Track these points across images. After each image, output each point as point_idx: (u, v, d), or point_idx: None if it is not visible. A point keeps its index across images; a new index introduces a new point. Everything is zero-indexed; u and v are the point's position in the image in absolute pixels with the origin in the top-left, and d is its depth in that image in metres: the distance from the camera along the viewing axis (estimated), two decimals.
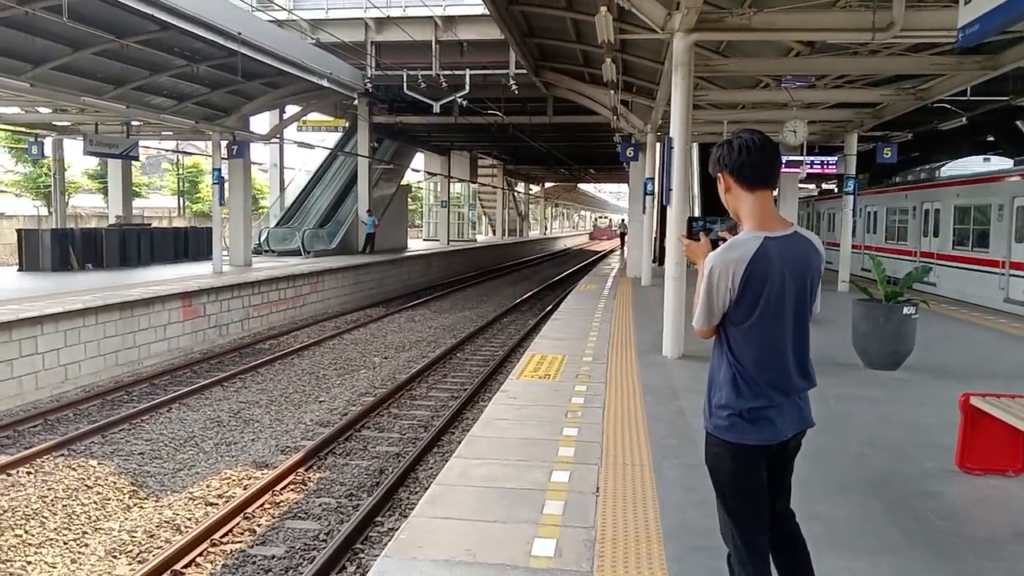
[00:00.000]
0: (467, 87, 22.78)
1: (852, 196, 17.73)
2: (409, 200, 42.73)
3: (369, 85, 24.34)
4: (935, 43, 10.87)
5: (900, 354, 8.43)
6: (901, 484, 4.92)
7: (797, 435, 2.76)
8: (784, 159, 17.00)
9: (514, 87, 22.79)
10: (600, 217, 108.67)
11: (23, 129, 22.09)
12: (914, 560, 3.81)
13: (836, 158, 17.47)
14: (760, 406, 2.63)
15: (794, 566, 2.85)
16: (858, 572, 3.67)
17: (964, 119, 18.06)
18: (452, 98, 23.23)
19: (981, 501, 4.67)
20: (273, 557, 6.53)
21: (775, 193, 2.76)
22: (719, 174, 2.75)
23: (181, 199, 43.05)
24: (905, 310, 8.26)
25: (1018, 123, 21.01)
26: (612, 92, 15.24)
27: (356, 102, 26.49)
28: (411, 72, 23.18)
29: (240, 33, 15.33)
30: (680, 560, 3.76)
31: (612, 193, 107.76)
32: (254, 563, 6.43)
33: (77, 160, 35.25)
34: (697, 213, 20.65)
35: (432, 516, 4.28)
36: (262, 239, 27.48)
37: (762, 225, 2.65)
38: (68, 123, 20.90)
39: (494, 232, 58.49)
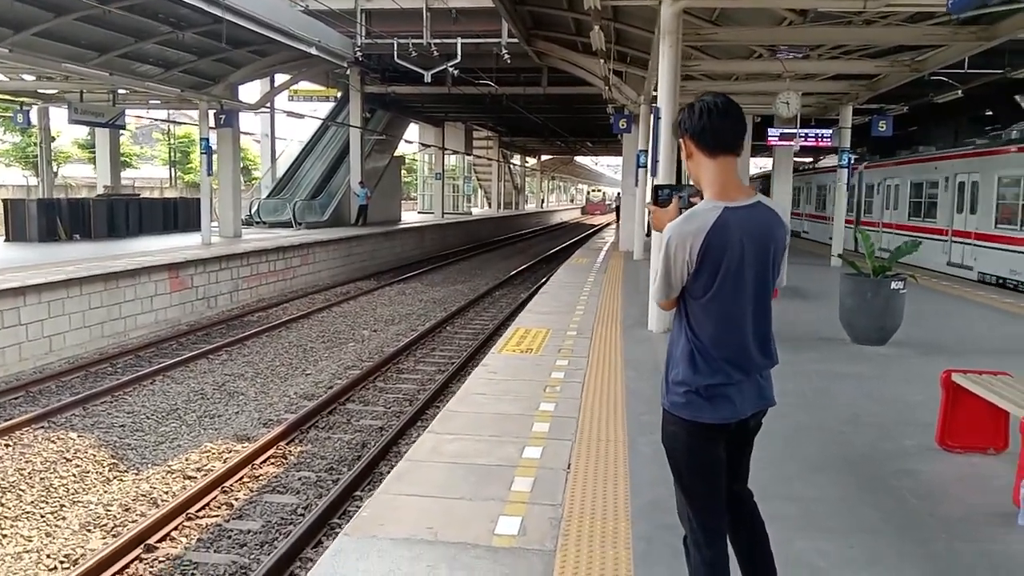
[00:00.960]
0: (459, 56, 22.43)
1: (846, 169, 17.61)
2: (403, 172, 42.44)
3: (359, 54, 23.96)
4: (931, 13, 10.67)
5: (887, 329, 8.35)
6: (879, 462, 4.85)
7: (757, 414, 2.65)
8: (778, 132, 16.84)
9: (507, 56, 22.46)
10: (593, 190, 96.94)
11: (8, 97, 21.79)
12: (886, 541, 3.73)
13: (831, 131, 17.30)
14: (717, 383, 2.52)
15: (751, 547, 2.76)
16: (827, 553, 3.58)
17: (960, 92, 17.86)
18: (443, 67, 22.88)
19: (960, 479, 4.60)
20: (249, 531, 6.46)
21: (740, 160, 2.64)
22: (681, 139, 2.63)
23: (172, 169, 42.71)
24: (893, 284, 8.17)
25: (1017, 97, 20.77)
26: (602, 61, 15.01)
27: (348, 71, 26.14)
28: (402, 40, 22.82)
29: None
30: (648, 539, 3.68)
31: (610, 166, 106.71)
32: (229, 537, 6.36)
33: (67, 130, 34.95)
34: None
35: (397, 493, 4.20)
36: (253, 210, 27.29)
37: (723, 194, 2.53)
38: (54, 91, 20.60)
39: (489, 205, 58.21)
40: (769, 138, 16.96)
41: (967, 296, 12.92)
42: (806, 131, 16.90)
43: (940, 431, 5.08)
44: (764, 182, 29.97)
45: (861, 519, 3.98)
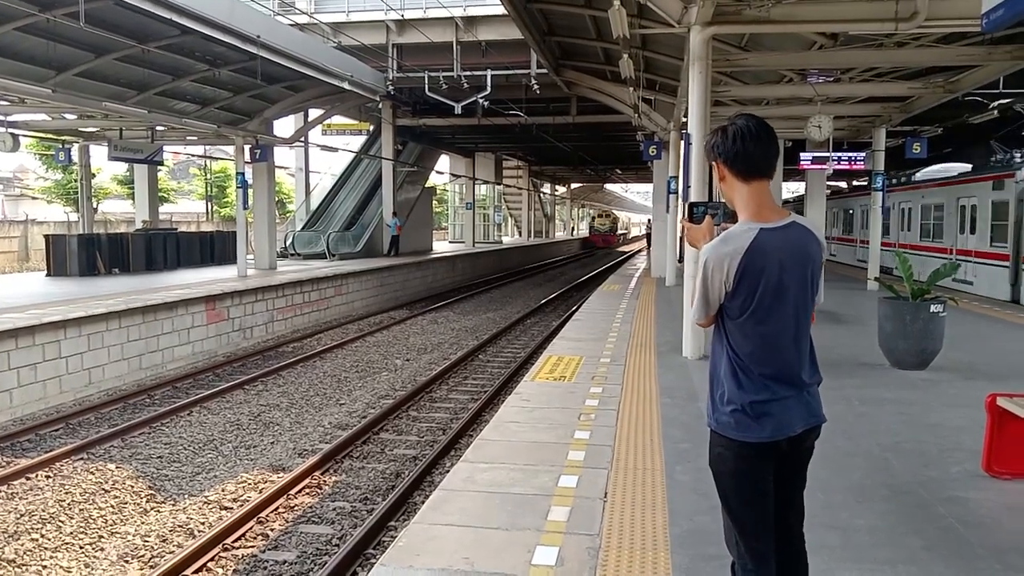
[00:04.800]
0: (488, 88, 22.69)
1: (881, 192, 17.40)
2: (434, 202, 42.78)
3: (391, 87, 24.34)
4: (965, 33, 10.58)
5: (928, 353, 8.18)
6: (925, 490, 4.72)
7: (809, 432, 2.60)
8: (810, 156, 16.72)
9: (536, 87, 22.67)
10: (599, 216, 70.66)
11: (51, 136, 22.37)
12: (934, 572, 3.62)
13: (864, 154, 17.14)
14: (764, 399, 2.51)
15: None
16: None
17: (995, 112, 17.62)
18: (474, 99, 23.15)
19: (1009, 508, 4.46)
20: (284, 562, 6.45)
21: (772, 183, 2.65)
22: (713, 163, 2.63)
23: (209, 204, 43.45)
24: (933, 308, 8.01)
25: None
26: (631, 89, 15.07)
27: (380, 105, 26.53)
28: (432, 74, 23.15)
29: (259, 36, 15.36)
30: (687, 570, 3.61)
31: (640, 193, 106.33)
32: (265, 568, 6.36)
33: (107, 166, 35.76)
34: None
35: (432, 523, 4.17)
36: (288, 242, 27.62)
37: (757, 215, 2.54)
38: (94, 129, 21.10)
39: (520, 234, 58.39)
40: (801, 162, 16.85)
41: (1005, 318, 12.65)
42: (839, 154, 16.76)
43: (986, 457, 4.94)
44: (797, 206, 30.02)
45: (908, 549, 3.87)
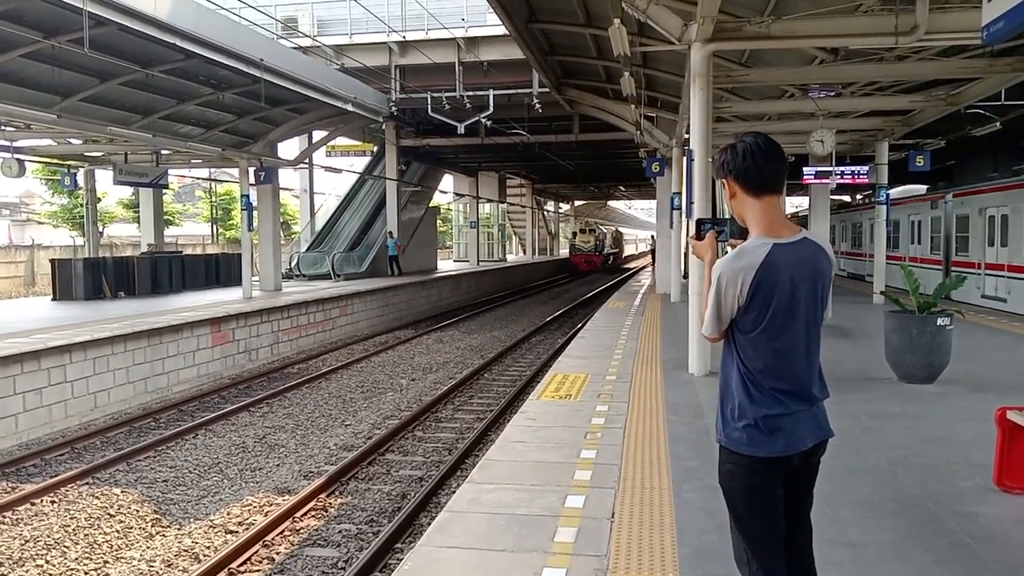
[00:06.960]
0: (491, 107, 22.78)
1: (884, 206, 17.39)
2: (439, 222, 42.87)
3: (394, 108, 24.46)
4: (965, 46, 10.60)
5: (935, 367, 8.12)
6: (935, 505, 4.67)
7: (818, 447, 2.60)
8: (813, 170, 16.73)
9: (538, 106, 22.76)
10: (580, 231, 55.35)
11: (56, 161, 22.51)
12: None
13: (867, 168, 17.14)
14: (776, 414, 2.51)
15: None
16: None
17: (998, 124, 17.60)
18: (476, 119, 23.24)
19: (1020, 522, 4.41)
20: None
21: (783, 197, 2.67)
22: (723, 180, 2.64)
23: (214, 226, 43.61)
24: (939, 321, 7.97)
25: None
26: (633, 107, 15.12)
27: (383, 126, 26.67)
28: (435, 94, 23.26)
29: (262, 60, 15.46)
30: None
31: (643, 210, 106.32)
32: None
33: (113, 190, 35.96)
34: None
35: (438, 545, 4.14)
36: (293, 264, 27.67)
37: (770, 231, 2.54)
38: (99, 153, 21.24)
39: (524, 251, 58.41)
40: (804, 177, 16.85)
41: (1013, 330, 12.57)
42: (842, 169, 16.76)
43: (997, 471, 4.89)
44: (800, 222, 29.82)
45: (918, 564, 3.82)
